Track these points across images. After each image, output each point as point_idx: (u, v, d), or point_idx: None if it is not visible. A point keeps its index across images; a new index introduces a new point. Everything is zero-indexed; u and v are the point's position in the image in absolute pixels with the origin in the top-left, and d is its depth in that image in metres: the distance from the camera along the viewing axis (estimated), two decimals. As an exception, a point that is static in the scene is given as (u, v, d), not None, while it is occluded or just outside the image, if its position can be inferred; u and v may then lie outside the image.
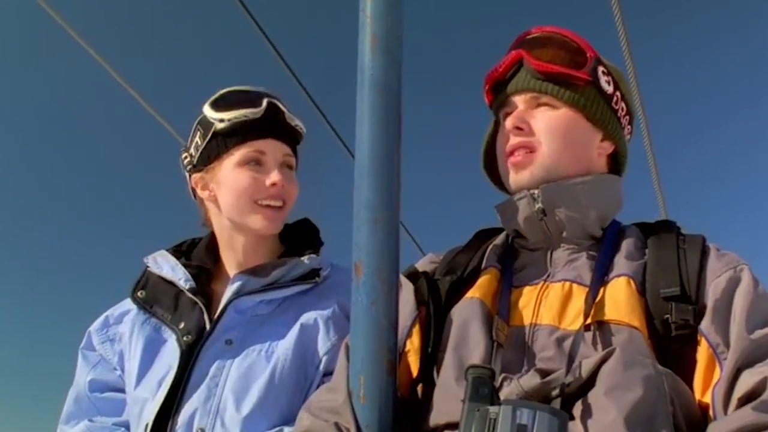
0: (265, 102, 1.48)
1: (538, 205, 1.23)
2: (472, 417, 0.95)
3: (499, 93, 1.32)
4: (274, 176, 1.47)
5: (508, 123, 1.26)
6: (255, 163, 1.48)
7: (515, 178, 1.26)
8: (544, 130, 1.24)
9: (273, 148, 1.49)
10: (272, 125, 1.50)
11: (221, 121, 1.48)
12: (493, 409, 0.94)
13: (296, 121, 1.54)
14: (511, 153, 1.26)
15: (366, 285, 1.17)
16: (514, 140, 1.26)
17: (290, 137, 1.54)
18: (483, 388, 0.98)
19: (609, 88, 1.30)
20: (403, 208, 1.23)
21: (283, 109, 1.52)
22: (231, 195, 1.50)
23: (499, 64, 1.31)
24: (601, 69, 1.29)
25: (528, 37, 1.31)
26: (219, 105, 1.50)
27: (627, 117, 1.35)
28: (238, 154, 1.48)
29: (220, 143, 1.50)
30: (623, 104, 1.33)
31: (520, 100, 1.28)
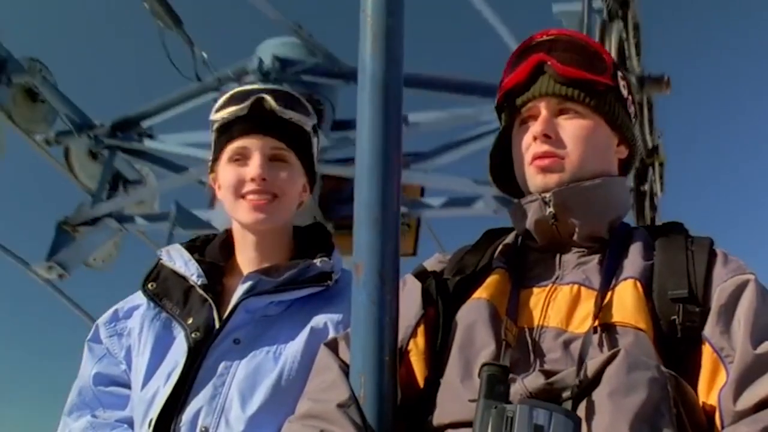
0: (252, 98, 1.45)
1: (550, 210, 1.17)
2: (489, 414, 0.91)
3: (514, 96, 1.25)
4: (252, 170, 1.42)
5: (536, 129, 1.19)
6: (239, 159, 1.45)
7: (543, 180, 1.19)
8: (572, 140, 1.19)
9: (255, 143, 1.45)
10: (256, 121, 1.45)
11: (215, 122, 1.48)
12: (510, 407, 0.90)
13: (289, 114, 1.47)
14: (537, 158, 1.20)
15: (367, 285, 1.13)
16: (541, 147, 1.19)
17: (280, 131, 1.47)
18: (498, 386, 0.95)
19: (625, 92, 1.25)
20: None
21: (272, 103, 1.45)
22: (223, 193, 1.48)
23: (518, 68, 1.23)
24: (619, 73, 1.25)
25: (544, 39, 1.25)
26: (217, 107, 1.50)
27: (636, 117, 1.31)
28: (226, 151, 1.46)
29: (216, 143, 1.50)
30: (633, 106, 1.29)
31: (542, 105, 1.20)
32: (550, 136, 1.18)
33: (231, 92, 1.51)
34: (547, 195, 1.17)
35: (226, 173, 1.46)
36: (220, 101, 1.50)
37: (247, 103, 1.44)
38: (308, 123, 1.51)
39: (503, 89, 1.27)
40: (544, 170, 1.19)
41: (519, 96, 1.23)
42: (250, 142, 1.45)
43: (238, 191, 1.44)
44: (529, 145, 1.21)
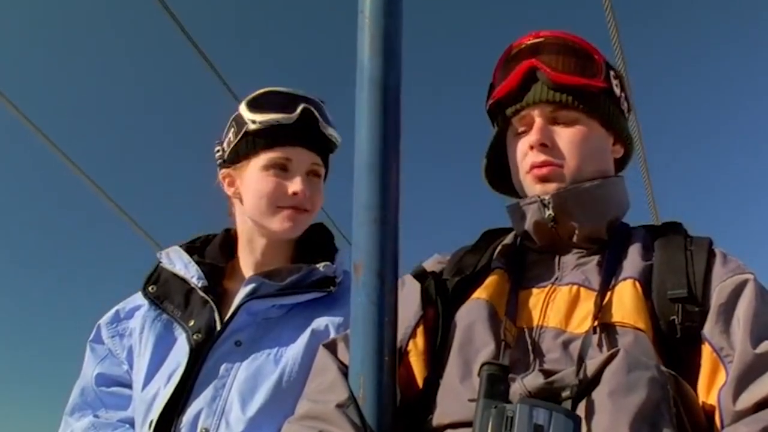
0: (300, 108, 1.41)
1: (549, 213, 1.15)
2: (488, 414, 0.90)
3: (507, 103, 1.22)
4: (297, 185, 1.40)
5: (533, 139, 1.17)
6: (280, 168, 1.41)
7: (542, 189, 1.17)
8: (569, 147, 1.16)
9: (300, 156, 1.42)
10: (303, 133, 1.42)
11: (253, 122, 1.41)
12: (509, 407, 0.89)
13: (330, 130, 1.46)
14: (536, 167, 1.17)
15: (366, 285, 1.12)
16: (539, 157, 1.16)
17: (321, 146, 1.46)
18: (498, 386, 0.93)
19: (618, 91, 1.23)
20: (404, 209, 1.18)
21: (318, 117, 1.43)
22: (254, 197, 1.43)
23: (509, 75, 1.20)
24: (612, 73, 1.22)
25: (534, 42, 1.21)
26: (254, 105, 1.44)
27: (629, 112, 1.29)
28: (265, 157, 1.41)
29: (249, 144, 1.43)
30: (626, 103, 1.27)
31: (536, 112, 1.18)
32: (546, 145, 1.16)
33: (266, 91, 1.45)
34: (546, 197, 1.16)
35: (263, 180, 1.41)
36: (256, 99, 1.44)
37: (296, 113, 1.40)
38: (339, 138, 1.50)
39: (495, 98, 1.24)
40: (543, 179, 1.17)
41: (512, 103, 1.21)
42: (295, 155, 1.42)
43: (276, 202, 1.41)
44: (526, 154, 1.19)
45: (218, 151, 1.51)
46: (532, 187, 1.19)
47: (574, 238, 1.17)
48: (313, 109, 1.43)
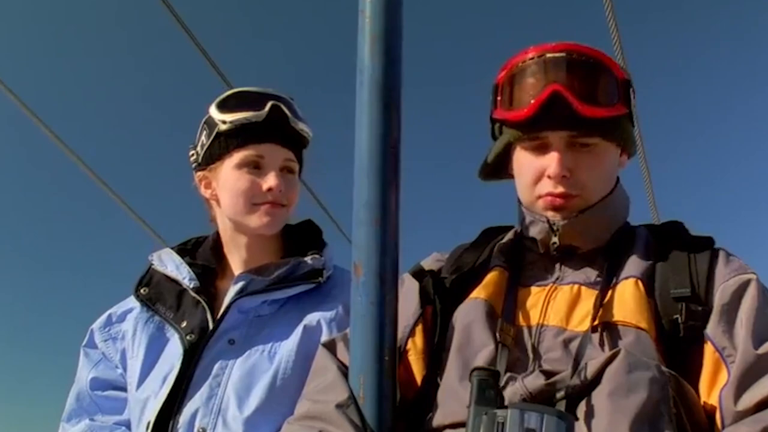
0: (268, 105, 1.41)
1: (554, 240, 1.13)
2: (479, 421, 0.90)
3: (524, 123, 1.14)
4: (271, 181, 1.40)
5: (553, 171, 1.11)
6: (254, 166, 1.41)
7: (553, 215, 1.14)
8: (587, 175, 1.12)
9: (273, 153, 1.42)
10: (273, 130, 1.42)
11: (224, 122, 1.42)
12: (500, 412, 0.89)
13: (301, 125, 1.46)
14: (551, 196, 1.13)
15: (366, 285, 1.12)
16: (557, 188, 1.12)
17: (293, 142, 1.46)
18: (488, 391, 0.94)
19: (634, 102, 1.18)
20: (404, 209, 1.18)
21: (287, 113, 1.43)
22: (230, 196, 1.44)
23: (530, 102, 1.12)
24: (631, 90, 1.17)
25: (555, 57, 1.12)
26: (223, 106, 1.44)
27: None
28: (238, 156, 1.41)
29: (222, 144, 1.43)
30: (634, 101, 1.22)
31: (555, 139, 1.12)
32: (566, 176, 1.12)
33: (235, 92, 1.46)
34: (556, 223, 1.13)
35: (237, 178, 1.41)
36: (225, 100, 1.45)
37: (265, 110, 1.41)
38: (311, 133, 1.50)
39: (510, 119, 1.16)
40: (557, 209, 1.14)
41: (529, 125, 1.13)
42: (267, 152, 1.42)
43: (251, 199, 1.41)
44: (541, 177, 1.14)
45: (192, 155, 1.51)
46: (542, 211, 1.16)
47: (578, 251, 1.16)
48: (281, 105, 1.43)
